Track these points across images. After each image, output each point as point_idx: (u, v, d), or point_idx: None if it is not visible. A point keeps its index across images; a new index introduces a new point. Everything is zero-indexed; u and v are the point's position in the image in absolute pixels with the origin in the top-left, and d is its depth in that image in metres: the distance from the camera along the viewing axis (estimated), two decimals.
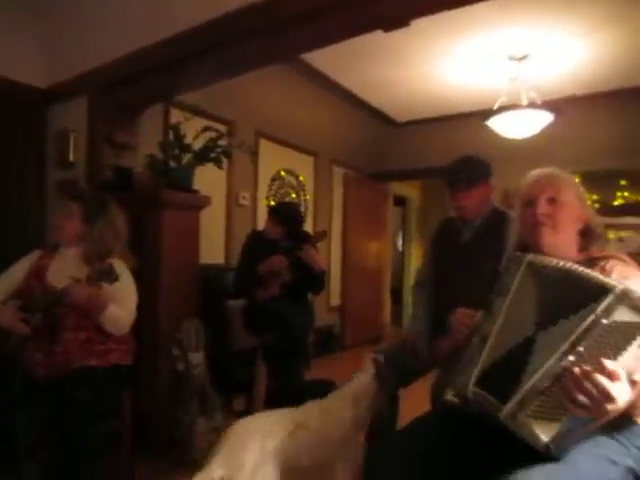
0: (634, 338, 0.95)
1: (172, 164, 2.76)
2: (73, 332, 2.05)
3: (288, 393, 2.63)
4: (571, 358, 0.98)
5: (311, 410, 1.69)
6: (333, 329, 5.71)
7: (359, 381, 1.89)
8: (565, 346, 1.01)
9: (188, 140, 2.78)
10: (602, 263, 1.26)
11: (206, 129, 2.82)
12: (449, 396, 1.25)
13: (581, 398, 0.93)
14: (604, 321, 0.97)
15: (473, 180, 2.08)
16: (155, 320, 2.65)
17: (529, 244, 1.37)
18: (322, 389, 3.04)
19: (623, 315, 0.97)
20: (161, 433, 2.63)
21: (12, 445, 1.91)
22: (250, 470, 1.39)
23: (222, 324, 3.31)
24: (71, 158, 3.03)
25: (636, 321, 0.96)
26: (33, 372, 1.98)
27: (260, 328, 2.85)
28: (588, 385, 0.92)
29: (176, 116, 3.26)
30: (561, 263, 1.15)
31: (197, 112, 2.95)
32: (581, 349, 0.98)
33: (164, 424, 2.62)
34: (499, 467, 1.08)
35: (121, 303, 2.10)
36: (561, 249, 1.32)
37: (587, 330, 0.98)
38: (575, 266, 1.12)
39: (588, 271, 1.10)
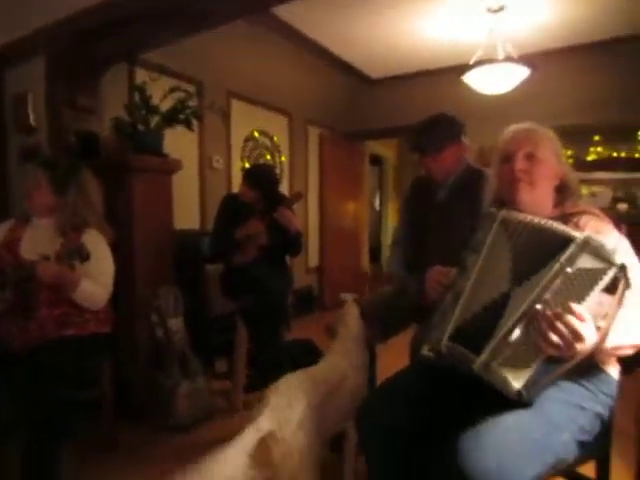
0: (596, 283, 1.00)
1: (140, 127, 2.66)
2: (48, 308, 2.00)
3: (269, 355, 2.65)
4: (539, 307, 1.04)
5: (339, 364, 1.82)
6: (312, 290, 5.76)
7: (352, 325, 1.99)
8: (533, 295, 1.06)
9: (155, 101, 2.67)
10: (575, 219, 1.27)
11: (174, 89, 2.72)
12: (425, 351, 1.28)
13: (553, 338, 0.98)
14: (569, 270, 1.03)
15: (440, 144, 2.00)
16: (131, 288, 2.62)
17: (505, 200, 1.37)
18: (302, 349, 3.10)
19: (586, 262, 1.02)
20: (143, 398, 2.64)
21: None
22: (295, 425, 1.47)
23: (199, 289, 3.30)
24: (32, 122, 2.89)
25: (597, 267, 1.01)
26: (8, 344, 1.96)
27: (238, 292, 2.84)
28: (559, 325, 0.97)
29: (141, 76, 3.12)
30: (534, 219, 1.16)
31: (164, 71, 2.83)
32: (548, 297, 1.04)
33: (145, 389, 2.64)
34: (473, 416, 1.11)
35: (96, 279, 2.04)
36: (537, 205, 1.32)
37: (553, 279, 1.04)
38: (544, 221, 1.14)
39: (554, 224, 1.12)
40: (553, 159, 1.33)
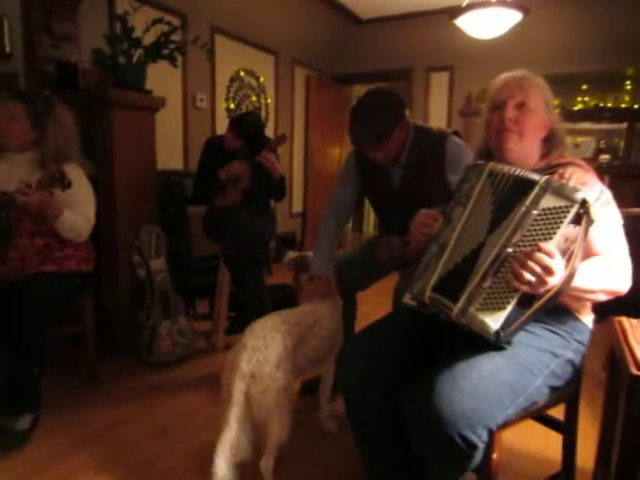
0: (561, 221, 1.05)
1: (121, 60, 2.54)
2: (29, 238, 1.99)
3: (250, 297, 2.69)
4: (509, 250, 1.08)
5: (314, 309, 1.87)
6: (295, 235, 5.78)
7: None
8: (502, 240, 1.10)
9: (137, 34, 2.55)
10: (561, 170, 1.27)
11: (157, 21, 2.59)
12: (407, 299, 1.30)
13: (526, 275, 1.01)
14: (534, 212, 1.08)
15: (381, 135, 1.82)
16: (113, 227, 2.59)
17: (493, 149, 1.37)
18: (283, 293, 3.15)
19: (549, 202, 1.07)
20: (125, 336, 2.68)
21: None
22: (273, 366, 1.53)
23: (182, 231, 3.28)
24: (7, 49, 2.75)
25: (560, 205, 1.06)
26: None
27: (220, 235, 2.84)
28: (531, 263, 1.01)
29: (122, 5, 2.96)
30: (518, 170, 1.16)
31: (145, 1, 2.68)
32: (517, 239, 1.08)
33: (127, 328, 2.67)
34: (450, 360, 1.15)
35: (78, 209, 2.03)
36: (524, 156, 1.32)
37: (520, 222, 1.09)
38: (525, 171, 1.15)
39: (525, 171, 1.15)
40: (543, 109, 1.32)
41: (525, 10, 3.66)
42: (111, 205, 2.56)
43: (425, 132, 1.96)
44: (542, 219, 1.07)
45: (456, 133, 1.96)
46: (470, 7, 3.71)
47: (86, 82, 2.62)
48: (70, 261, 2.07)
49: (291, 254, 2.14)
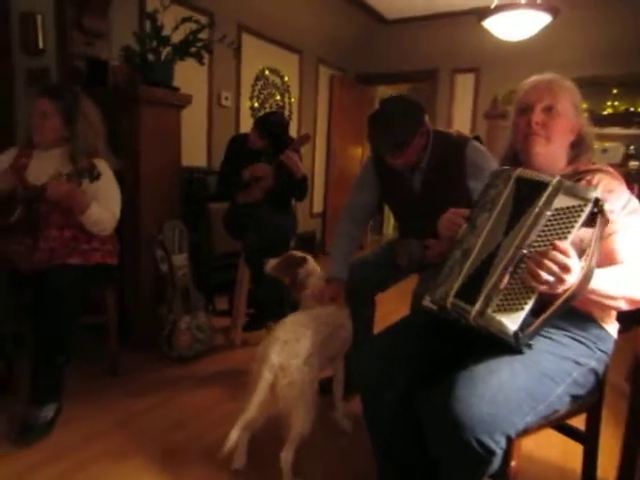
0: (575, 220, 1.04)
1: (150, 58, 2.58)
2: (58, 230, 2.04)
3: (269, 295, 2.70)
4: (524, 251, 1.08)
5: (338, 312, 1.93)
6: (315, 235, 5.79)
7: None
8: (517, 241, 1.09)
9: (166, 32, 2.58)
10: (589, 177, 1.25)
11: (186, 20, 2.62)
12: (427, 302, 1.29)
13: (543, 274, 1.01)
14: (548, 212, 1.07)
15: (401, 142, 1.80)
16: (137, 221, 2.63)
17: (519, 151, 1.36)
18: None
19: (563, 202, 1.07)
20: (145, 330, 2.71)
21: None
22: (302, 360, 1.58)
23: (204, 227, 3.32)
24: (40, 44, 2.81)
25: (574, 204, 1.05)
26: (17, 264, 2.01)
27: (242, 231, 2.86)
28: (547, 262, 1.00)
29: (152, 4, 3.00)
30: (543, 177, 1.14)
31: None
32: (532, 240, 1.08)
33: (148, 322, 2.70)
34: (468, 365, 1.15)
35: (104, 204, 2.07)
36: (551, 160, 1.31)
37: (534, 223, 1.08)
38: (545, 176, 1.14)
39: (539, 175, 1.15)
40: (572, 112, 1.30)
41: (555, 12, 3.60)
42: (136, 200, 2.60)
43: (445, 137, 1.94)
44: (556, 219, 1.06)
45: (477, 138, 1.94)
46: (499, 8, 3.66)
47: (115, 79, 2.66)
48: (96, 254, 2.11)
49: (272, 260, 2.13)
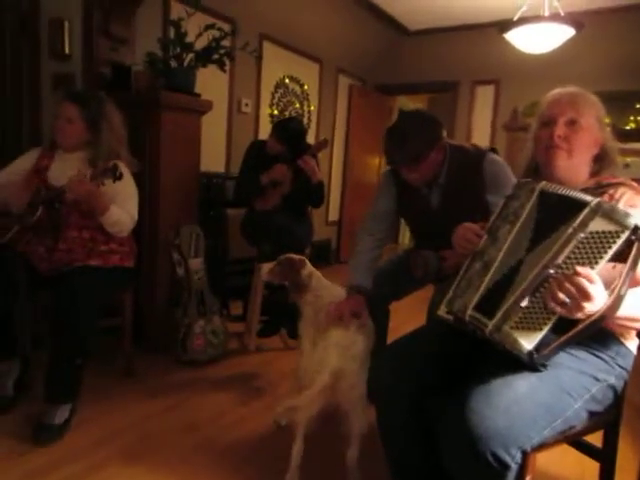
0: (609, 246, 1.00)
1: (173, 64, 2.62)
2: (77, 231, 2.08)
3: (284, 302, 2.71)
4: (551, 271, 1.05)
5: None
6: (330, 243, 5.79)
7: None
8: (545, 260, 1.06)
9: (190, 39, 2.62)
10: (611, 191, 1.23)
11: (209, 27, 2.66)
12: (442, 313, 1.28)
13: (561, 296, 0.99)
14: (581, 234, 1.03)
15: (417, 156, 1.79)
16: (155, 225, 2.66)
17: (540, 164, 1.34)
18: None
19: (598, 226, 1.02)
20: (160, 333, 2.73)
21: (13, 336, 2.02)
22: (360, 363, 1.63)
23: (220, 232, 3.34)
24: (67, 50, 2.87)
25: (610, 230, 1.01)
26: (36, 265, 2.04)
27: (259, 237, 2.88)
28: (567, 285, 0.98)
29: (176, 11, 3.06)
30: (567, 190, 1.12)
31: (198, 6, 2.75)
32: (560, 261, 1.04)
33: (163, 325, 2.72)
34: (485, 377, 1.13)
35: (123, 205, 2.10)
36: (573, 173, 1.29)
37: (565, 243, 1.05)
38: (572, 190, 1.12)
39: (572, 191, 1.11)
40: (595, 127, 1.28)
41: (579, 26, 3.58)
42: (155, 203, 2.63)
43: (462, 152, 1.93)
44: (589, 242, 1.03)
45: (493, 150, 1.92)
46: (522, 21, 3.65)
47: (137, 84, 2.71)
48: (114, 256, 2.14)
49: (266, 265, 2.09)
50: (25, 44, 2.98)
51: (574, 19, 3.59)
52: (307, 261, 2.09)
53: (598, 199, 1.06)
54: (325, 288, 2.01)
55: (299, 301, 2.03)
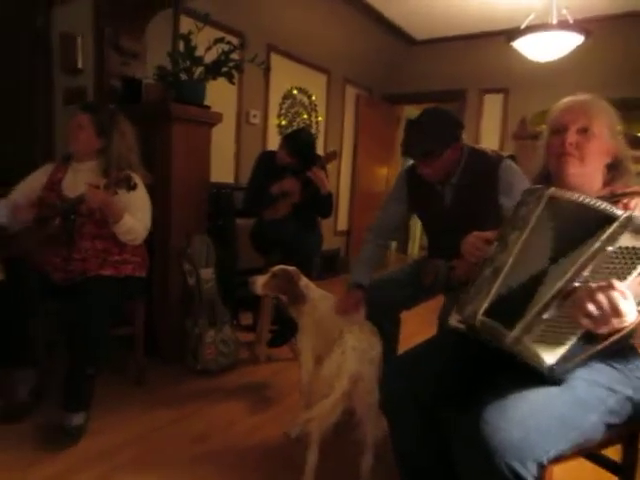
0: (639, 263, 0.98)
1: (183, 77, 2.65)
2: (91, 241, 2.11)
3: None
4: (577, 284, 1.01)
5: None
6: (339, 253, 5.79)
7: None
8: (570, 273, 1.03)
9: (199, 52, 2.65)
10: (626, 200, 1.21)
11: (219, 41, 2.68)
12: (454, 322, 1.27)
13: (591, 308, 0.95)
14: (609, 248, 1.00)
15: (434, 150, 1.83)
16: (167, 235, 2.68)
17: (552, 172, 1.33)
18: None
19: (628, 241, 1.00)
20: (171, 342, 2.74)
21: (28, 345, 2.03)
22: (377, 367, 1.65)
23: (230, 242, 3.35)
24: (79, 64, 2.91)
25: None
26: (51, 274, 2.07)
27: (268, 247, 2.89)
28: (600, 296, 0.94)
29: (186, 25, 3.09)
30: (581, 197, 1.11)
31: (208, 21, 2.79)
32: (587, 274, 1.01)
33: (174, 334, 2.73)
34: (499, 388, 1.12)
35: (136, 215, 2.13)
36: (585, 182, 1.28)
37: (592, 257, 1.01)
38: (588, 199, 1.09)
39: (598, 202, 1.08)
40: (607, 134, 1.27)
41: (587, 33, 3.57)
42: (166, 214, 2.65)
43: (480, 155, 1.96)
44: (617, 258, 1.00)
45: (511, 157, 1.94)
46: (529, 29, 3.66)
47: (148, 97, 2.74)
48: (127, 266, 2.16)
49: (260, 278, 2.00)
50: (39, 60, 3.04)
51: (582, 26, 3.59)
52: (300, 272, 2.04)
53: (628, 213, 1.03)
54: (321, 298, 1.99)
55: (296, 313, 2.00)
